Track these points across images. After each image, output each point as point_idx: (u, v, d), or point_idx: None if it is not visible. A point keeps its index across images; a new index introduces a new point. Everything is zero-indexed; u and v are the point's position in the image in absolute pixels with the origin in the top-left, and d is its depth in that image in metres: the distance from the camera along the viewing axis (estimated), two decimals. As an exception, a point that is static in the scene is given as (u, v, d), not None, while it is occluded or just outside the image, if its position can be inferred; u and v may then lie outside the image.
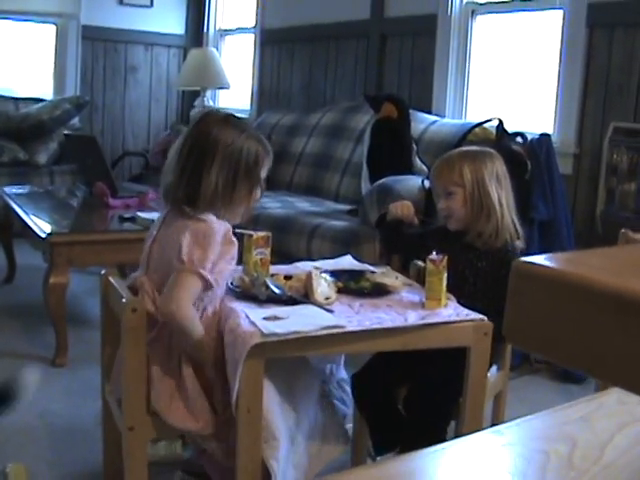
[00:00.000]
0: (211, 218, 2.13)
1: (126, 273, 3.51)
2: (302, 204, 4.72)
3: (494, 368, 2.44)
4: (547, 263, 0.52)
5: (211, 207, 2.14)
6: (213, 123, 2.19)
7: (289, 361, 2.21)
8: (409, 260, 2.67)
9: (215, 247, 2.07)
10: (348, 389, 2.43)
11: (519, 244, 2.45)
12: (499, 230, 2.40)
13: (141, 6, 7.24)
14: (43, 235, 3.47)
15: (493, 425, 2.24)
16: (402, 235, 2.73)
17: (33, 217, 3.83)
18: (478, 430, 1.14)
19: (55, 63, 7.08)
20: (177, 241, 2.08)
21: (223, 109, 7.02)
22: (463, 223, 2.46)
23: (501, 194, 2.42)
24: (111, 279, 2.31)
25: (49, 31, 7.01)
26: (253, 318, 1.99)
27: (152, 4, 7.29)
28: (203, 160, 2.13)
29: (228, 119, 2.25)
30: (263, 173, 2.23)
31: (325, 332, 1.96)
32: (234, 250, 2.17)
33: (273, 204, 4.62)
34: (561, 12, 4.24)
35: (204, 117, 2.23)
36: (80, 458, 2.71)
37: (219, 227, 2.10)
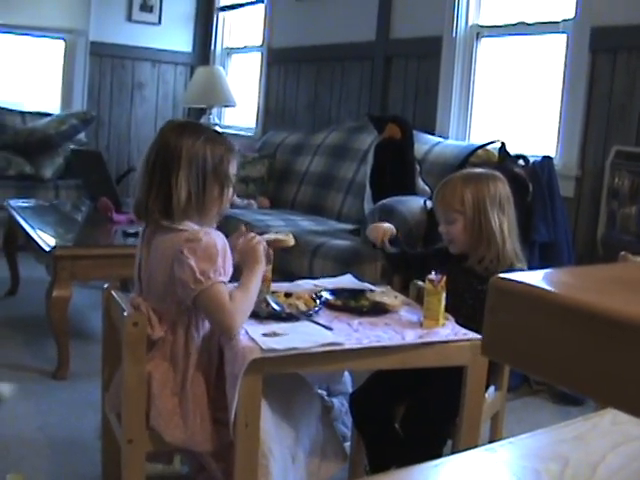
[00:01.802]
0: (193, 228, 2.13)
1: (129, 288, 3.54)
2: (305, 223, 4.74)
3: (492, 388, 2.46)
4: (521, 280, 0.54)
5: (185, 215, 2.14)
6: (171, 132, 2.18)
7: (286, 380, 2.23)
8: (411, 280, 2.68)
9: (217, 255, 2.07)
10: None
11: (520, 267, 2.45)
12: (500, 256, 2.40)
13: (149, 23, 7.30)
14: (47, 248, 3.49)
15: (490, 445, 2.25)
16: (405, 255, 2.75)
17: (38, 230, 3.85)
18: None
19: (63, 78, 7.13)
20: (180, 264, 2.07)
21: (229, 127, 7.07)
22: (464, 248, 2.47)
23: (502, 219, 2.42)
24: (113, 293, 2.33)
25: (58, 46, 7.08)
26: (252, 334, 2.01)
27: (160, 22, 7.35)
28: (169, 170, 2.13)
29: (185, 125, 2.26)
30: (232, 170, 2.21)
31: (324, 349, 1.98)
32: (226, 243, 2.15)
33: (276, 222, 4.65)
34: (564, 36, 4.28)
35: (162, 128, 2.23)
36: (79, 470, 2.72)
37: (207, 236, 2.09)
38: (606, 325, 0.49)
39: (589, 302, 0.50)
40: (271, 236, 2.39)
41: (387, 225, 2.74)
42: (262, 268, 2.19)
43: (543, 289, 0.52)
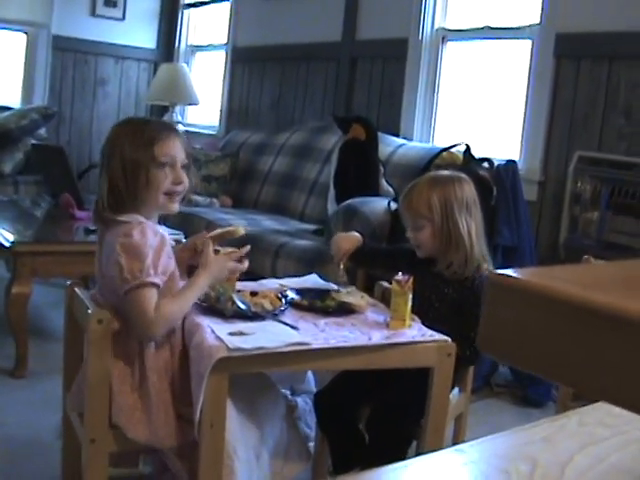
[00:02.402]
0: (136, 220, 2.12)
1: (89, 285, 3.50)
2: (268, 222, 4.73)
3: (456, 390, 2.46)
4: (518, 275, 0.54)
5: (121, 206, 2.14)
6: (111, 131, 2.23)
7: (251, 379, 2.21)
8: (374, 278, 2.68)
9: (147, 254, 2.06)
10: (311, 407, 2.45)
11: (488, 267, 2.46)
12: (468, 260, 2.40)
13: (113, 19, 7.24)
14: (7, 244, 3.43)
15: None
16: (370, 249, 2.73)
17: (-3, 226, 3.79)
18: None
19: (24, 72, 7.05)
20: (113, 260, 2.06)
21: (192, 125, 7.03)
22: (432, 253, 2.47)
23: (470, 223, 2.41)
24: (77, 290, 2.30)
25: (19, 39, 6.99)
26: (219, 333, 1.99)
27: (124, 17, 7.29)
28: (103, 167, 2.18)
29: (123, 120, 2.31)
30: (155, 152, 2.16)
31: (290, 349, 1.97)
32: (164, 240, 2.14)
33: (239, 221, 4.63)
34: (529, 42, 4.31)
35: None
36: (38, 471, 2.67)
37: (140, 234, 2.07)
38: (604, 320, 0.49)
39: (586, 297, 0.50)
40: (218, 230, 2.37)
41: (352, 239, 2.68)
42: (209, 274, 2.18)
43: (540, 284, 0.52)
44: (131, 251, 2.04)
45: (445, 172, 2.64)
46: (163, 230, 2.26)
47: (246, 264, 2.29)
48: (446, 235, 2.40)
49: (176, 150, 2.20)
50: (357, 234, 2.69)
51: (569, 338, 0.49)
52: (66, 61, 7.10)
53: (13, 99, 6.96)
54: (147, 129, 2.19)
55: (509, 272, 0.53)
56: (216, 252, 2.29)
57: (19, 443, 2.85)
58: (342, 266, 2.66)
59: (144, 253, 2.05)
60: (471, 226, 2.41)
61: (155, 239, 2.09)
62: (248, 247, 2.29)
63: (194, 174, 2.32)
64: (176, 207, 2.24)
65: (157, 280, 2.06)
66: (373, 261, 2.78)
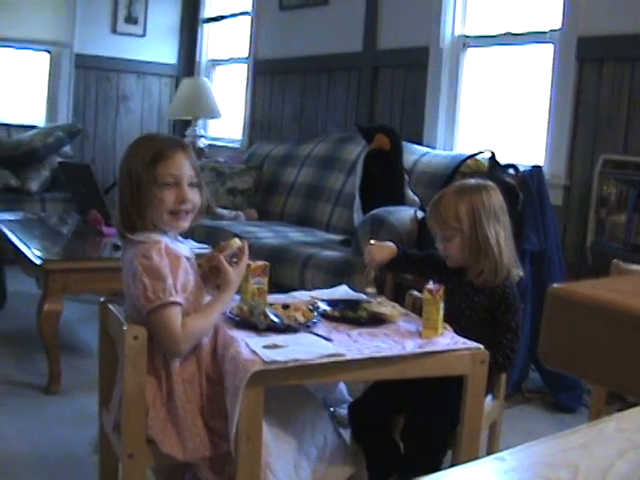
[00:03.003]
0: (150, 238, 2.15)
1: (118, 301, 3.52)
2: (294, 234, 4.75)
3: (489, 397, 2.46)
4: (578, 288, 0.54)
5: (134, 224, 2.16)
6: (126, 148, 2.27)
7: (286, 389, 2.22)
8: (402, 287, 2.68)
9: (167, 275, 2.09)
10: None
11: (518, 273, 2.46)
12: (498, 268, 2.39)
13: (134, 35, 7.30)
14: (38, 262, 3.47)
15: (488, 454, 2.25)
16: (404, 256, 2.71)
17: (27, 244, 3.83)
18: (475, 459, 1.15)
19: (48, 91, 7.11)
20: (136, 279, 2.09)
21: (215, 139, 7.07)
22: (462, 263, 2.47)
23: (499, 231, 2.41)
24: (110, 306, 2.32)
25: (43, 59, 7.06)
26: (253, 346, 2.01)
27: (145, 33, 7.35)
28: (118, 185, 2.23)
29: (140, 137, 2.33)
30: (158, 172, 2.16)
31: (325, 360, 1.98)
32: (179, 258, 2.16)
33: (266, 234, 4.65)
34: (551, 46, 4.31)
35: None
36: (75, 486, 2.70)
37: (158, 255, 2.10)
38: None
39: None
40: (214, 251, 2.35)
41: (386, 249, 2.65)
42: (232, 286, 2.21)
43: (602, 297, 0.52)
44: (151, 273, 2.08)
45: (471, 181, 2.62)
46: (183, 245, 2.28)
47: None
48: (475, 245, 2.40)
49: (182, 168, 2.19)
50: (391, 244, 2.68)
51: (631, 348, 0.49)
52: (89, 78, 7.16)
53: (38, 118, 7.02)
54: (153, 147, 2.20)
55: (569, 286, 0.54)
56: (247, 266, 2.31)
57: (55, 460, 2.87)
58: (372, 276, 2.66)
59: (165, 274, 2.08)
60: (499, 234, 2.41)
61: (171, 258, 2.12)
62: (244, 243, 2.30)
63: (205, 190, 2.31)
64: (184, 225, 2.23)
65: (179, 299, 2.10)
66: (404, 268, 2.78)
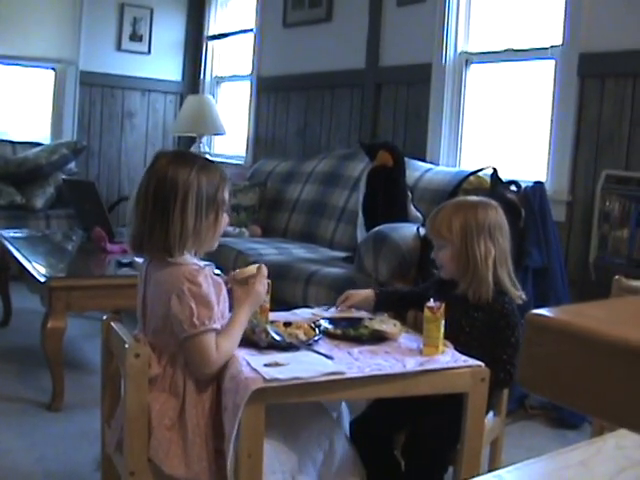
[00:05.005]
0: (191, 262, 2.17)
1: (122, 319, 3.53)
2: (298, 251, 4.75)
3: (490, 414, 2.46)
4: (554, 315, 0.56)
5: (184, 247, 2.17)
6: (166, 164, 2.17)
7: (287, 407, 2.23)
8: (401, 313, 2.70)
9: (213, 299, 2.12)
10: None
11: (519, 294, 2.46)
12: (483, 284, 2.40)
13: (139, 53, 7.34)
14: (42, 279, 3.48)
15: (490, 471, 2.26)
16: (392, 293, 2.80)
17: (31, 261, 3.85)
18: (476, 476, 1.16)
19: (53, 108, 7.15)
20: (183, 303, 2.09)
21: (219, 155, 7.10)
22: (453, 275, 2.49)
23: (490, 248, 2.40)
24: (113, 324, 2.34)
25: (48, 76, 7.10)
26: (254, 364, 2.02)
27: (150, 51, 7.39)
28: (167, 205, 2.13)
29: (178, 156, 2.27)
30: (225, 196, 2.23)
31: (326, 378, 1.98)
32: (222, 287, 2.20)
33: (269, 250, 4.66)
34: (553, 62, 4.33)
35: (155, 161, 2.22)
36: (77, 504, 2.71)
37: (206, 282, 2.12)
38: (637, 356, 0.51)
39: (621, 336, 0.51)
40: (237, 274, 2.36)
41: (362, 294, 2.72)
42: (248, 306, 2.22)
43: (576, 324, 0.53)
44: (200, 299, 2.09)
45: (473, 198, 2.65)
46: (206, 264, 2.31)
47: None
48: (464, 257, 2.42)
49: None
50: (369, 290, 2.75)
51: (611, 376, 0.51)
52: (94, 96, 7.20)
53: (43, 135, 7.06)
54: (217, 169, 2.25)
55: (546, 312, 0.55)
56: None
57: (58, 476, 2.88)
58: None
59: (213, 302, 2.11)
60: (490, 251, 2.41)
61: (215, 285, 2.16)
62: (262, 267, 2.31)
63: None
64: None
65: (218, 326, 2.13)
66: (390, 307, 2.77)
